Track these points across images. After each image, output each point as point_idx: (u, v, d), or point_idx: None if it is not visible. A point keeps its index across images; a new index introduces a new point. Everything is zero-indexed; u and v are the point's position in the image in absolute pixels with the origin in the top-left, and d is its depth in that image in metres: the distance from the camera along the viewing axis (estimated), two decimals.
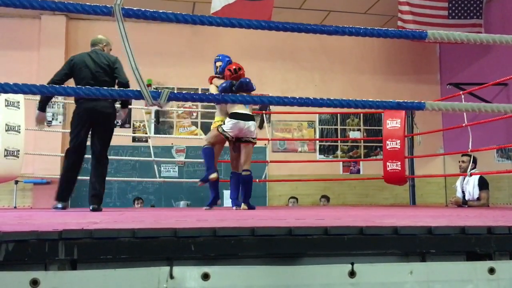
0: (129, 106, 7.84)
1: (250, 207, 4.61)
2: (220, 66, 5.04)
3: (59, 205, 4.07)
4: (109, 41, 4.49)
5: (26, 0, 1.79)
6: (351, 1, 8.03)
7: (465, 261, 1.53)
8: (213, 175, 4.50)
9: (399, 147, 6.39)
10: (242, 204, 4.60)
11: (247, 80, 4.74)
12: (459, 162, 5.87)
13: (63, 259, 1.27)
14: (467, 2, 7.51)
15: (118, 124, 5.97)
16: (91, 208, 3.97)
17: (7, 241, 1.26)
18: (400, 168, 6.33)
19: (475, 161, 5.64)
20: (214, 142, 4.70)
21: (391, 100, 2.10)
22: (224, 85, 4.65)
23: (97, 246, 1.29)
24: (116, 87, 4.15)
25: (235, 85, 4.66)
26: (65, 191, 4.17)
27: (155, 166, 7.00)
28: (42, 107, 4.17)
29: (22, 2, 1.77)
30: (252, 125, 4.62)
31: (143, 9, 1.83)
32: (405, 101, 2.10)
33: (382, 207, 5.96)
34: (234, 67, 4.89)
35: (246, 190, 4.60)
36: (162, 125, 8.52)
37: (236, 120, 4.55)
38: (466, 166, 5.65)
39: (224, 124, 4.64)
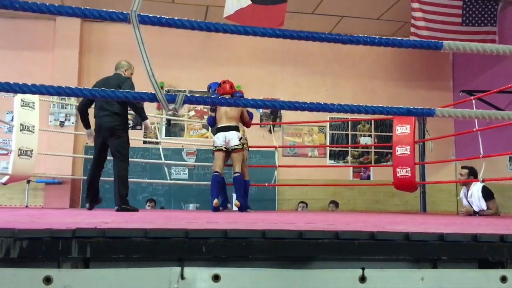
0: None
1: (242, 206, 5.08)
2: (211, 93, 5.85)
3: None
4: (130, 65, 4.94)
5: (44, 6, 1.81)
6: (364, 7, 8.02)
7: (477, 269, 1.52)
8: (215, 201, 5.04)
9: (408, 153, 6.34)
10: (235, 200, 5.13)
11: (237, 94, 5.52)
12: (459, 174, 5.84)
13: (76, 257, 1.29)
14: (481, 10, 7.46)
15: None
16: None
17: (21, 239, 1.28)
18: (410, 174, 6.28)
19: (474, 173, 5.60)
20: (217, 162, 5.30)
21: (401, 106, 2.09)
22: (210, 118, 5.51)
23: (109, 245, 1.30)
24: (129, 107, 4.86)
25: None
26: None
27: (165, 168, 7.04)
28: (85, 125, 4.91)
29: (40, 8, 1.79)
30: (231, 133, 5.20)
31: (158, 16, 1.85)
32: (415, 107, 2.09)
33: (392, 213, 5.92)
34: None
35: (237, 190, 5.17)
36: (173, 128, 8.57)
37: (219, 133, 5.25)
38: (465, 179, 5.62)
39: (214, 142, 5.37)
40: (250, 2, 6.56)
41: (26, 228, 1.31)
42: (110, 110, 4.60)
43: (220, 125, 5.28)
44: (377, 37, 2.03)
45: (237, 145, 5.18)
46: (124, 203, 4.49)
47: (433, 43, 2.06)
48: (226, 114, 5.24)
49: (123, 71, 4.89)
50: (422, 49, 2.14)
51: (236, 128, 5.28)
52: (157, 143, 8.03)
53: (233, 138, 5.18)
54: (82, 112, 4.82)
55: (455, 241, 1.49)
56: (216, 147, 5.27)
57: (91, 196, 4.80)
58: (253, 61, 8.75)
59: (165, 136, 8.42)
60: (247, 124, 5.58)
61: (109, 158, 4.85)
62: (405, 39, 2.07)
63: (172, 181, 7.51)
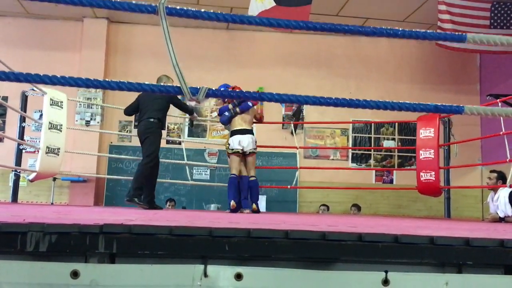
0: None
1: (258, 210, 5.18)
2: None
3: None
4: (168, 78, 5.43)
5: None
6: (389, 9, 7.94)
7: (503, 275, 1.49)
8: (232, 203, 5.11)
9: (433, 156, 6.24)
10: (253, 204, 5.16)
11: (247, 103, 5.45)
12: (487, 178, 5.74)
13: (103, 252, 1.32)
14: (510, 12, 7.29)
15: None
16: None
17: (50, 233, 1.31)
18: (434, 178, 6.18)
19: (503, 178, 5.47)
20: (235, 165, 5.32)
21: (428, 103, 2.07)
22: (223, 107, 5.48)
23: (135, 241, 1.33)
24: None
25: (236, 101, 5.35)
26: None
27: (187, 168, 7.10)
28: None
29: (83, 0, 1.83)
30: (247, 137, 5.28)
31: (185, 8, 1.87)
32: (443, 104, 2.06)
33: (415, 218, 5.84)
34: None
35: (255, 193, 5.24)
36: (196, 129, 8.63)
37: (234, 136, 5.29)
38: (493, 184, 5.50)
39: (229, 145, 5.38)
40: (274, 4, 6.58)
41: (55, 223, 1.34)
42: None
43: (235, 128, 5.35)
44: (400, 29, 1.99)
45: (253, 149, 5.27)
46: (132, 195, 4.87)
47: (457, 36, 2.02)
48: (242, 117, 5.33)
49: (163, 84, 5.22)
50: (445, 41, 2.11)
51: (251, 132, 5.37)
52: (179, 143, 8.12)
53: (249, 142, 5.25)
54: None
55: (481, 246, 1.47)
56: (232, 149, 5.31)
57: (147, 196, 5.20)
58: (276, 63, 8.76)
59: (188, 136, 8.49)
60: (261, 119, 5.81)
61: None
62: (429, 31, 2.02)
63: (194, 182, 7.57)
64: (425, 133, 6.35)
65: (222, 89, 5.44)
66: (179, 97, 5.39)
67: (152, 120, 5.18)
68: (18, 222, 1.34)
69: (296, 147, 7.37)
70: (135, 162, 8.15)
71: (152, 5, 1.75)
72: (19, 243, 1.30)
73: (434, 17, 7.38)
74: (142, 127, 5.25)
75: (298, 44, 8.74)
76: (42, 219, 1.51)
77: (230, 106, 5.38)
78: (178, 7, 1.80)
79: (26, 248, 1.31)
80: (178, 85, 1.78)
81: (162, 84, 5.27)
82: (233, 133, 5.34)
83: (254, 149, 5.30)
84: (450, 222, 4.10)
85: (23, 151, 6.27)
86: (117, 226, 1.34)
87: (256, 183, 5.27)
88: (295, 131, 8.20)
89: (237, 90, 5.39)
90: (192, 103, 6.45)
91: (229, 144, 5.38)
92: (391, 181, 8.77)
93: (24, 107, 6.12)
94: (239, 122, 5.34)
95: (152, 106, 5.21)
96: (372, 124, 8.78)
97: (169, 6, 1.73)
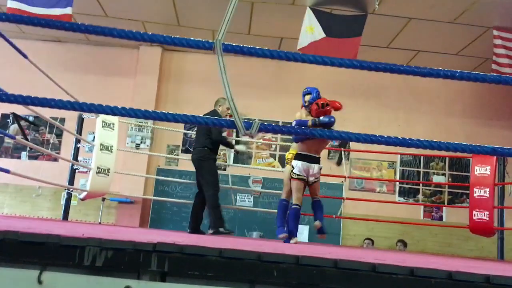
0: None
1: (322, 229, 4.76)
2: (308, 100, 5.06)
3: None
4: (225, 101, 5.45)
5: (138, 34, 1.96)
6: (442, 42, 7.82)
7: None
8: (282, 235, 4.70)
9: (488, 195, 5.98)
10: (317, 221, 4.77)
11: (332, 120, 4.85)
12: None
13: (155, 270, 1.35)
14: None
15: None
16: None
17: (107, 248, 1.37)
18: (488, 218, 5.91)
19: None
20: (298, 195, 4.77)
21: (485, 145, 1.99)
22: (302, 122, 4.79)
23: (186, 261, 1.35)
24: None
25: (318, 122, 4.75)
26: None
27: (232, 194, 7.15)
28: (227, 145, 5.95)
29: (140, 36, 1.93)
30: (316, 167, 4.83)
31: (241, 45, 1.94)
32: (501, 147, 1.98)
33: (466, 258, 5.57)
34: (322, 102, 4.96)
35: (320, 212, 4.87)
36: (241, 155, 8.71)
37: (303, 162, 4.77)
38: None
39: (293, 168, 4.81)
40: (324, 35, 6.65)
41: (112, 239, 1.39)
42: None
43: (306, 152, 4.79)
44: (458, 71, 1.98)
45: (318, 178, 4.89)
46: (215, 226, 5.10)
47: None
48: (320, 145, 4.86)
49: (218, 107, 5.55)
50: (506, 85, 2.05)
51: (319, 161, 4.89)
52: (225, 169, 8.21)
53: (317, 171, 4.82)
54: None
55: None
56: (298, 175, 4.75)
57: (191, 223, 5.55)
58: (324, 92, 8.64)
59: (233, 163, 8.58)
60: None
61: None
62: (488, 74, 1.99)
63: (237, 207, 7.60)
64: (481, 170, 6.11)
65: (311, 93, 5.15)
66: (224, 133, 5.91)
67: (201, 148, 5.45)
68: (78, 237, 1.40)
69: (344, 176, 7.27)
70: (181, 185, 8.32)
71: (209, 41, 1.82)
72: (77, 257, 1.36)
73: (489, 51, 7.20)
74: (194, 155, 5.53)
75: (347, 74, 8.71)
76: (98, 235, 1.57)
77: (310, 123, 4.74)
78: (233, 44, 1.87)
79: (84, 262, 1.36)
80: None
81: (218, 106, 5.55)
82: (302, 157, 4.78)
83: (318, 178, 4.88)
84: (504, 264, 3.89)
85: (76, 171, 6.54)
86: (169, 245, 1.38)
87: (321, 202, 4.89)
88: (341, 162, 8.11)
89: (326, 102, 4.93)
90: (244, 138, 6.71)
91: (293, 167, 4.82)
92: (440, 218, 8.45)
93: (79, 129, 6.42)
94: (312, 147, 4.79)
95: (204, 132, 5.44)
96: (422, 157, 8.55)
97: (225, 42, 1.79)
